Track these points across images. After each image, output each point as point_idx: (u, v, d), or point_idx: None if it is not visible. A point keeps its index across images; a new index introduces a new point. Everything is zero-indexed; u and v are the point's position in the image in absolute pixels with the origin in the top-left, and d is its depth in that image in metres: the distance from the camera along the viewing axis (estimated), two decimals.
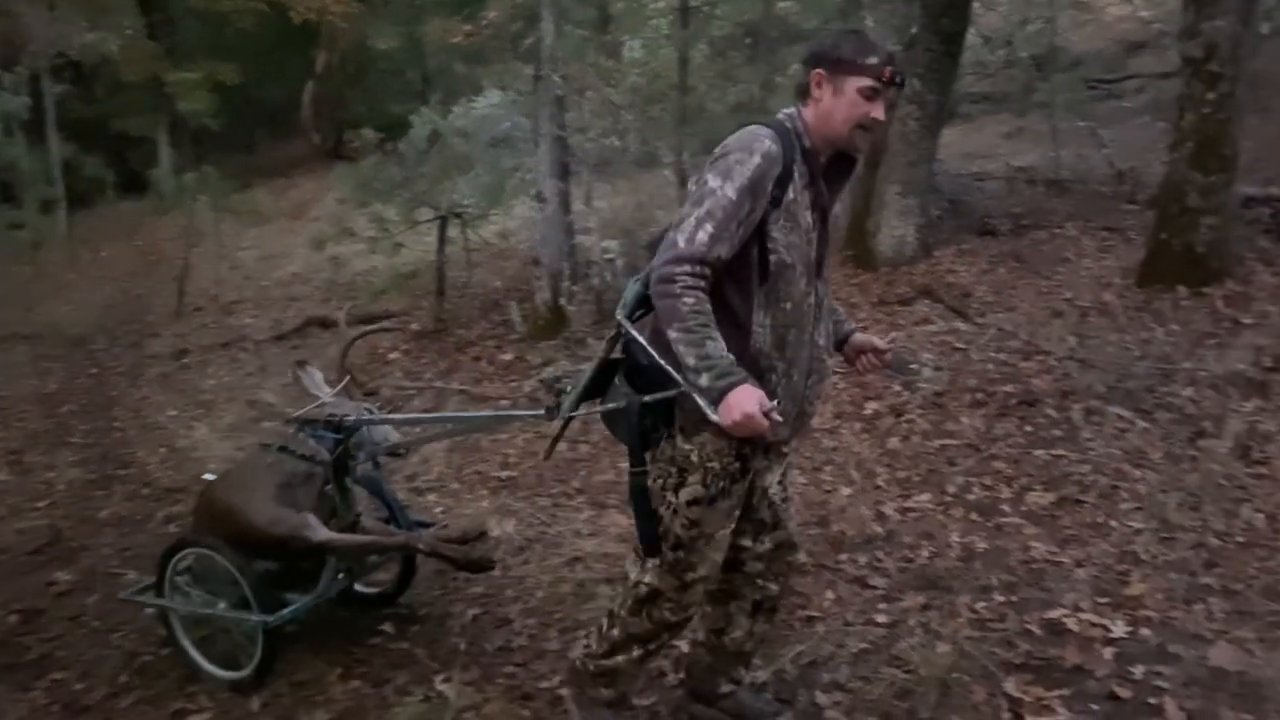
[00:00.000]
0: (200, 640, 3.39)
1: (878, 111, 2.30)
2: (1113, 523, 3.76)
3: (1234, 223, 6.55)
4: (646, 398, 2.32)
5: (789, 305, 2.33)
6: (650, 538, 2.39)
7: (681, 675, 2.92)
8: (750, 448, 2.37)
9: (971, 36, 9.41)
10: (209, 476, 3.70)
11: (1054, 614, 3.18)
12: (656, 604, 2.48)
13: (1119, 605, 3.22)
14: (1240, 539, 3.57)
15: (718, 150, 2.30)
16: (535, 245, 7.81)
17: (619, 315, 2.34)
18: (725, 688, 2.78)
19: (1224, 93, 6.06)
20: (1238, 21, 6.01)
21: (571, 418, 2.58)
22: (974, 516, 3.94)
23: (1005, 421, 4.74)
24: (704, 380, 2.16)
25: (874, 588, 3.50)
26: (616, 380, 2.42)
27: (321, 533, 3.14)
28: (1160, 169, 6.76)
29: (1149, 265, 6.44)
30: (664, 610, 2.48)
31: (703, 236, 2.20)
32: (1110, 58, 12.92)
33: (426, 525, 3.60)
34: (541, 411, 2.71)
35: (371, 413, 3.44)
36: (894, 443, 4.77)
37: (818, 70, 2.32)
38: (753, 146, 2.25)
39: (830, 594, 3.48)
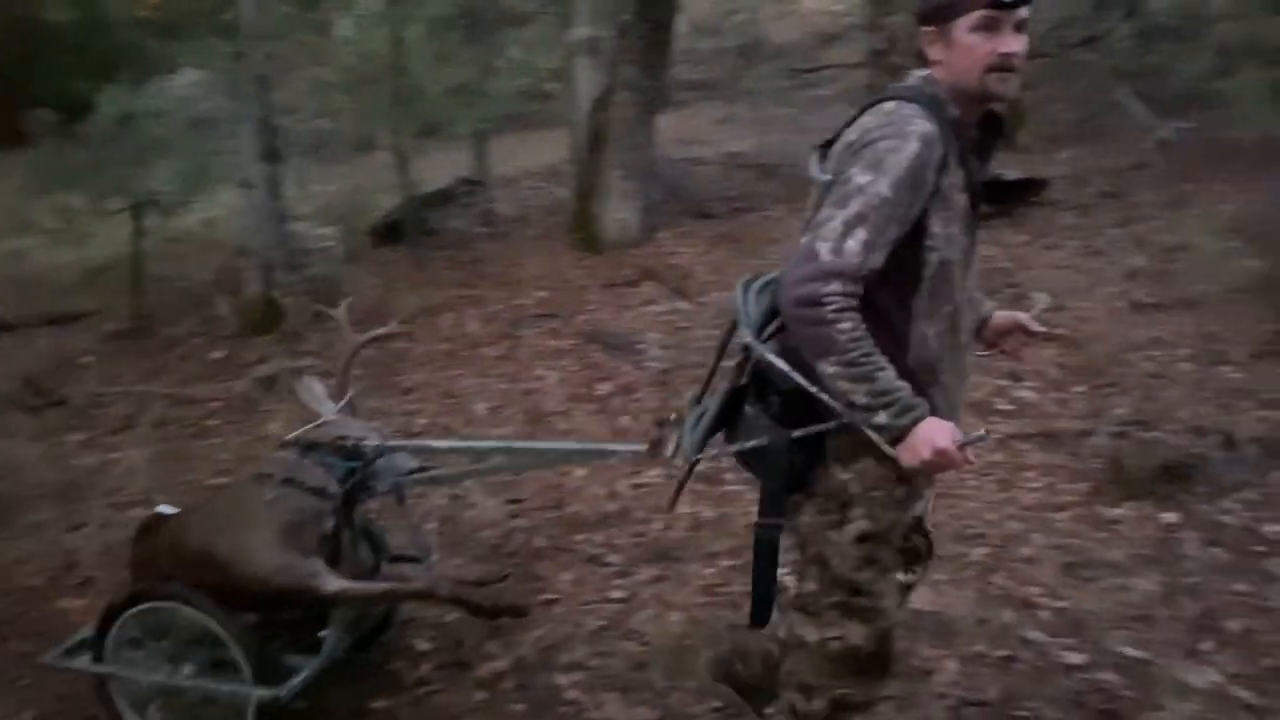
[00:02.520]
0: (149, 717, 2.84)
1: (1006, 44, 1.87)
2: None
3: None
4: (797, 432, 1.96)
5: (950, 309, 1.98)
6: (765, 603, 2.08)
7: None
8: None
9: (683, 25, 9.75)
10: (165, 510, 3.01)
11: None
12: (855, 659, 2.12)
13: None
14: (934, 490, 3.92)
15: (857, 135, 1.91)
16: (243, 234, 7.33)
17: (745, 335, 1.98)
18: None
19: None
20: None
21: (698, 460, 2.22)
22: (701, 487, 4.09)
23: None
24: (881, 419, 1.83)
25: (609, 565, 3.57)
26: (748, 411, 2.06)
27: (334, 582, 2.63)
28: None
29: None
30: (866, 664, 2.13)
31: (853, 245, 1.81)
32: (808, 48, 13.83)
33: (412, 560, 3.07)
34: (641, 447, 2.42)
35: (385, 437, 2.93)
36: (625, 421, 4.88)
37: (925, 29, 1.95)
38: (905, 130, 1.85)
39: (567, 575, 3.52)
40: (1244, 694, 2.70)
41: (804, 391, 1.90)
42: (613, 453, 3.03)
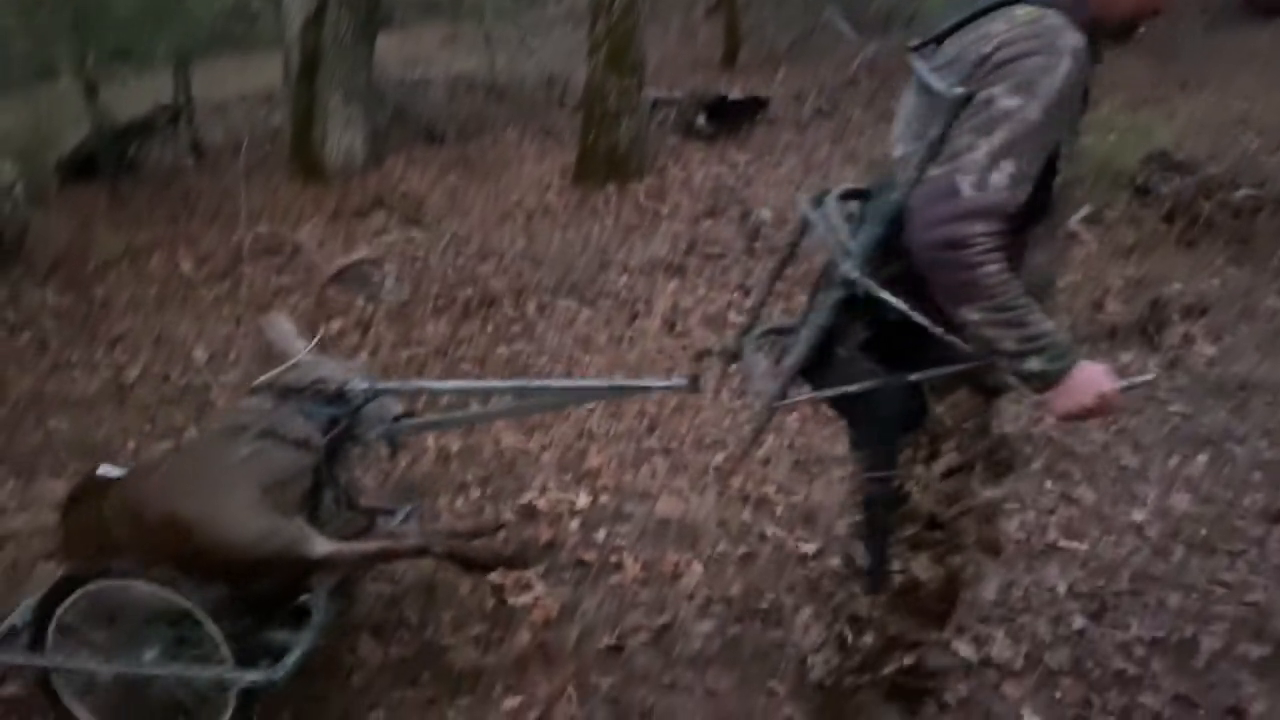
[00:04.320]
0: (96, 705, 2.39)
1: None
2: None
3: (647, 123, 7.30)
4: (915, 376, 1.77)
5: (1058, 231, 1.83)
6: (879, 564, 1.94)
7: None
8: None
9: None
10: (110, 471, 2.51)
11: (526, 498, 3.36)
12: (916, 597, 2.01)
13: (581, 479, 3.49)
14: (674, 402, 4.04)
15: (993, 47, 1.65)
16: None
17: (849, 270, 1.73)
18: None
19: (627, 3, 6.64)
20: None
21: (780, 407, 1.96)
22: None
23: (469, 324, 4.87)
24: (1034, 365, 1.66)
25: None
26: (841, 352, 1.83)
27: (324, 545, 2.27)
28: (584, 74, 7.26)
29: (581, 165, 6.96)
30: (929, 602, 2.03)
31: (1000, 179, 1.60)
32: None
33: (386, 513, 2.73)
34: (682, 381, 2.21)
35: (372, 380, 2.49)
36: (363, 357, 4.68)
37: None
38: (1056, 45, 1.62)
39: None
40: None
41: (915, 330, 1.72)
42: (646, 389, 2.71)
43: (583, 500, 3.35)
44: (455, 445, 3.79)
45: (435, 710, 2.43)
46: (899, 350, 1.79)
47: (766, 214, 6.13)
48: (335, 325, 5.03)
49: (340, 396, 2.41)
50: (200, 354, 4.59)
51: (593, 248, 5.73)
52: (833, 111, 8.41)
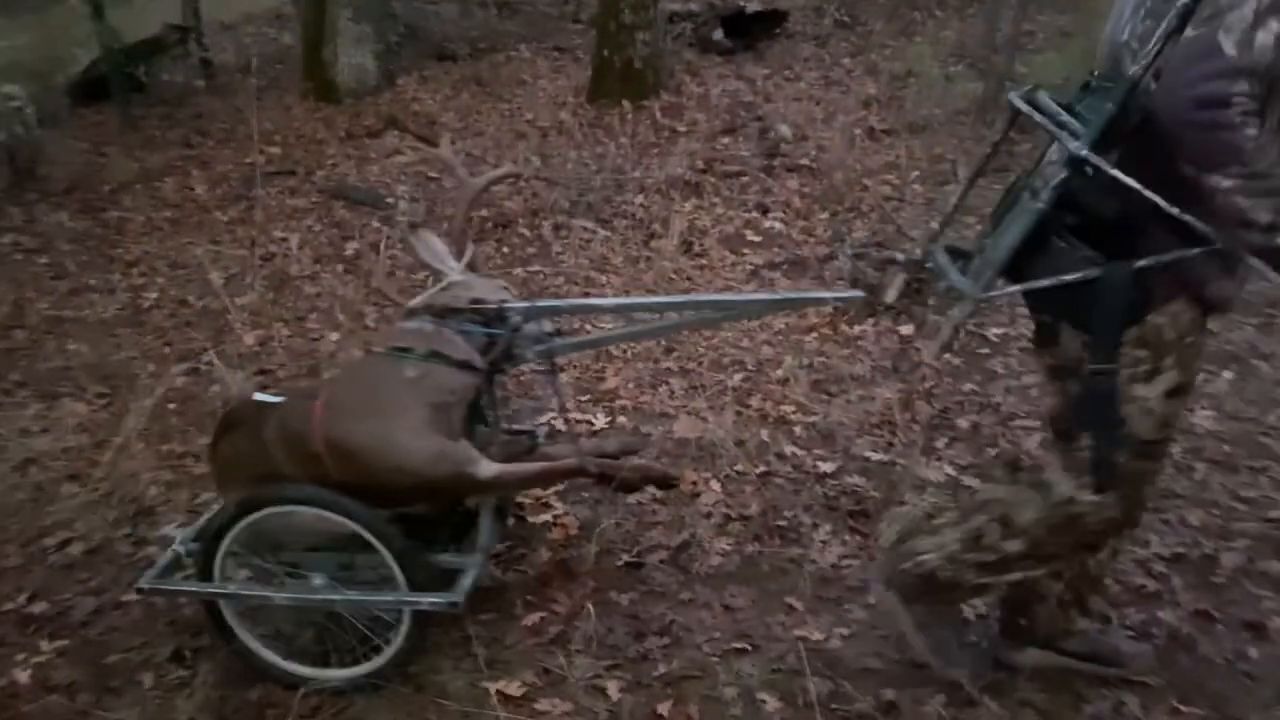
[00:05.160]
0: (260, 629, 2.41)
1: None
2: (588, 327, 4.03)
3: (663, 38, 7.13)
4: (1142, 261, 1.68)
5: None
6: (1110, 462, 1.81)
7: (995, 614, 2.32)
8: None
9: None
10: (267, 397, 2.50)
11: (544, 419, 3.36)
12: (1085, 523, 1.91)
13: (599, 400, 3.49)
14: None
15: None
16: None
17: (1077, 148, 1.64)
18: (1080, 624, 2.19)
19: None
20: None
21: (987, 300, 1.83)
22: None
23: (484, 244, 4.83)
24: None
25: None
26: (1058, 241, 1.74)
27: (489, 467, 2.24)
28: None
29: (596, 83, 6.83)
30: (1093, 532, 1.93)
31: (1265, 39, 1.51)
32: None
33: (525, 434, 2.66)
34: (858, 293, 2.12)
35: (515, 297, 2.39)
36: (378, 281, 4.66)
37: None
38: None
39: None
40: (973, 482, 2.97)
41: (1134, 216, 1.64)
42: (819, 300, 2.59)
43: (601, 421, 3.34)
44: None
45: (458, 624, 2.45)
46: (1117, 238, 1.71)
47: (786, 130, 6.01)
48: (350, 247, 5.01)
49: (499, 316, 2.33)
50: (217, 277, 4.57)
51: (608, 167, 5.64)
52: (853, 24, 8.20)
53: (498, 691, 2.28)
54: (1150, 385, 1.78)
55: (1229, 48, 1.52)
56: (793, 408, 3.41)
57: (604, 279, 4.42)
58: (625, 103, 6.57)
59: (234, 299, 4.38)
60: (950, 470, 3.04)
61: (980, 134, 5.74)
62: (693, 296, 2.64)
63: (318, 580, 2.29)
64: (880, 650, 2.38)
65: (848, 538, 2.79)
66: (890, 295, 2.09)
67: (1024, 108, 1.84)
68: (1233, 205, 1.58)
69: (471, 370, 2.26)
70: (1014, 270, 1.78)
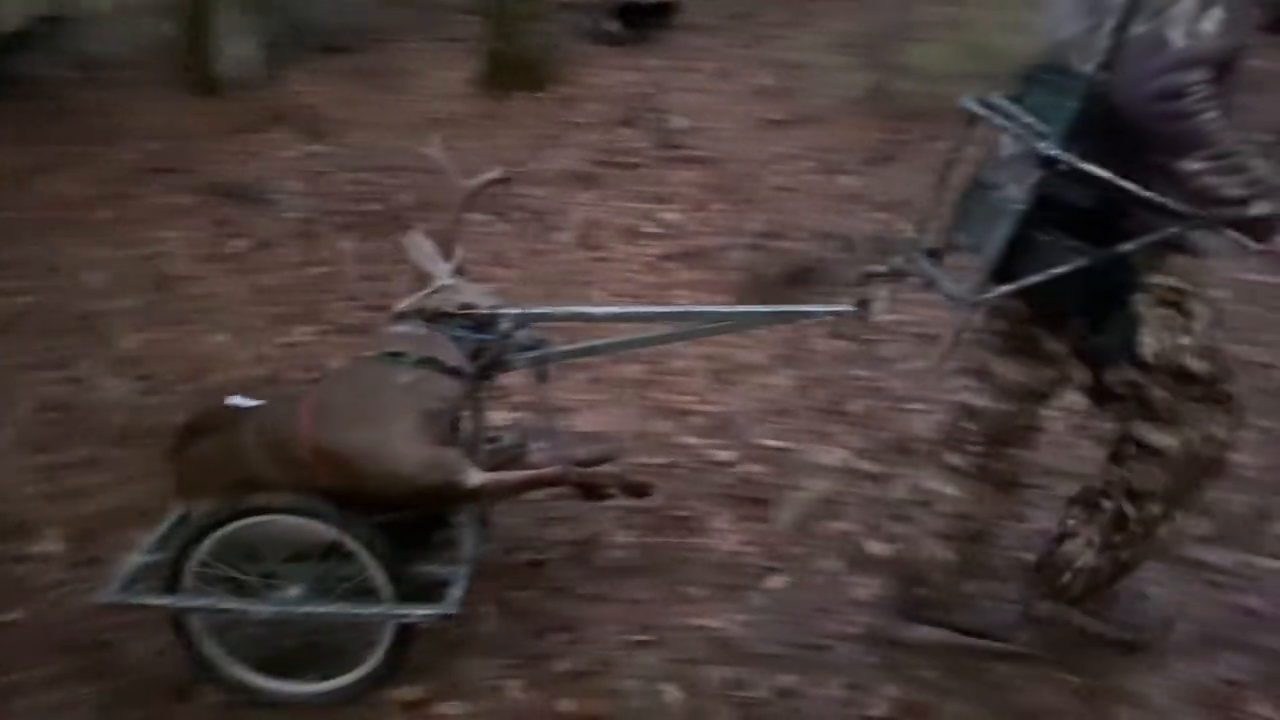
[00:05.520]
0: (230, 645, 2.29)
1: None
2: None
3: (557, 28, 7.08)
4: (1128, 246, 1.80)
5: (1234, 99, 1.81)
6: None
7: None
8: None
9: None
10: (242, 401, 2.41)
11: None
12: (1202, 459, 2.05)
13: (497, 396, 3.44)
14: None
15: None
16: None
17: (1047, 148, 1.74)
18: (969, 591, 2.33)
19: None
20: None
21: (983, 303, 1.93)
22: (352, 340, 3.91)
23: (375, 240, 4.72)
24: (1262, 208, 1.72)
25: None
26: (1042, 237, 1.82)
27: (477, 475, 2.19)
28: None
29: (489, 73, 6.74)
30: (1212, 460, 2.06)
31: (1209, 27, 1.64)
32: None
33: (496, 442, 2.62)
34: (849, 307, 2.17)
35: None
36: (267, 279, 4.52)
37: None
38: None
39: None
40: (866, 465, 3.04)
41: (1111, 203, 1.75)
42: (811, 315, 2.59)
43: (500, 418, 3.30)
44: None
45: None
46: (1098, 223, 1.80)
47: (682, 121, 6.04)
48: (236, 245, 4.85)
49: (491, 322, 2.32)
50: (95, 278, 4.38)
51: (503, 160, 5.53)
52: (748, 15, 8.26)
53: (396, 698, 2.24)
54: (1190, 332, 1.92)
55: (1177, 40, 1.64)
56: (693, 398, 3.43)
57: (501, 273, 4.37)
58: (519, 94, 6.51)
59: (112, 302, 4.20)
60: (844, 454, 3.09)
61: (872, 123, 5.85)
62: (689, 308, 2.76)
63: (294, 591, 2.23)
64: (779, 636, 2.42)
65: (746, 525, 2.82)
66: (880, 309, 2.18)
67: (982, 113, 1.93)
68: (1205, 185, 1.70)
69: (462, 377, 2.24)
70: (1003, 270, 1.86)
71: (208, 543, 2.19)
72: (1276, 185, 1.72)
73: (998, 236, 1.83)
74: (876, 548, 2.67)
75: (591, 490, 2.43)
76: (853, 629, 2.42)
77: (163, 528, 2.38)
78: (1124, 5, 1.67)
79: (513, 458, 2.52)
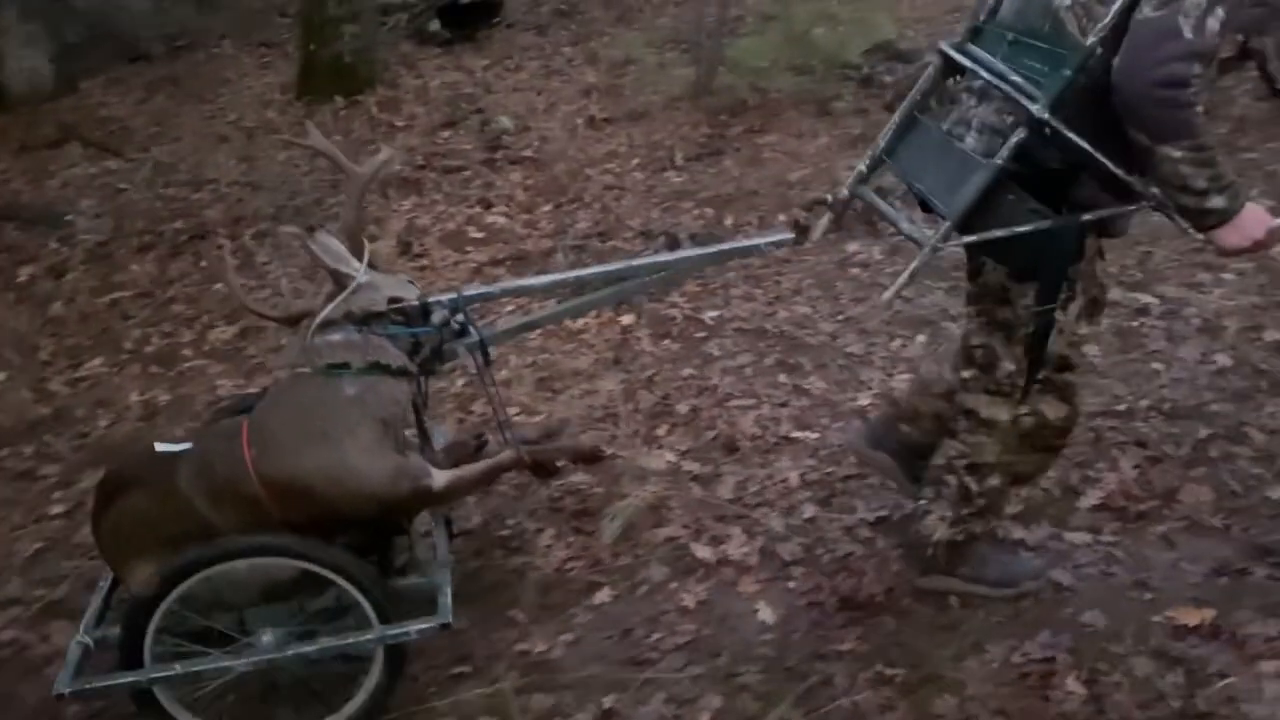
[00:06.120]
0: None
1: None
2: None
3: (377, 29, 6.85)
4: (1089, 215, 1.88)
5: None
6: (1029, 385, 2.07)
7: None
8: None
9: None
10: (169, 447, 2.17)
11: None
12: (1043, 435, 2.15)
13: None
14: None
15: None
16: None
17: (1039, 110, 1.77)
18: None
19: None
20: None
21: (943, 249, 1.92)
22: (154, 369, 3.66)
23: (179, 261, 4.45)
24: (1217, 202, 1.79)
25: (45, 478, 3.07)
26: (1010, 196, 1.87)
27: (440, 475, 2.13)
28: None
29: (304, 78, 6.47)
30: (1052, 438, 2.17)
31: (1213, 25, 1.69)
32: None
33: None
34: (787, 235, 2.19)
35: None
36: (57, 308, 4.19)
37: None
38: None
39: None
40: (692, 466, 2.98)
41: (1103, 172, 1.82)
42: (752, 248, 2.48)
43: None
44: (165, 397, 3.46)
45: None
46: (1052, 185, 1.89)
47: (507, 122, 5.91)
48: (24, 272, 4.49)
49: (424, 312, 2.19)
50: None
51: (320, 168, 5.34)
52: (572, 12, 8.18)
53: None
54: (1066, 311, 2.00)
55: (1188, 31, 1.69)
56: (517, 409, 3.31)
57: (313, 289, 4.14)
58: (338, 98, 6.26)
59: None
60: (671, 457, 3.04)
61: (696, 118, 5.85)
62: (629, 263, 2.62)
63: (267, 637, 2.08)
64: (604, 654, 2.34)
65: (572, 539, 2.73)
66: (816, 234, 2.21)
67: (966, 63, 1.97)
68: (1177, 172, 1.78)
69: (408, 376, 2.16)
70: (974, 218, 1.91)
71: (164, 606, 2.00)
72: (1234, 182, 1.83)
73: (970, 188, 1.88)
74: (703, 551, 2.63)
75: (545, 468, 2.42)
76: (678, 638, 2.36)
77: (96, 601, 2.18)
78: None
79: (475, 450, 2.45)
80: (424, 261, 4.40)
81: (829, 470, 2.89)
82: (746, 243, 2.53)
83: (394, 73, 6.72)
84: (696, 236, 4.33)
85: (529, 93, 6.54)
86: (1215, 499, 2.67)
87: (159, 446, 2.22)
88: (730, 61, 5.93)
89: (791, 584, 2.50)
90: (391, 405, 2.11)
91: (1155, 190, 1.86)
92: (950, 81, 2.10)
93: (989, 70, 1.91)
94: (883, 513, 2.71)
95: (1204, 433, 2.90)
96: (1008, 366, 2.08)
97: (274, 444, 2.04)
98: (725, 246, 2.57)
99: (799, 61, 5.90)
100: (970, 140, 1.97)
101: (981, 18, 2.03)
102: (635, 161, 5.39)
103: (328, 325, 2.14)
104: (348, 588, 2.05)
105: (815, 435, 3.05)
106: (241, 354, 3.74)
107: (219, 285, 4.22)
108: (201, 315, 4.02)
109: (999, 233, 1.88)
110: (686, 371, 3.48)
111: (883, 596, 2.42)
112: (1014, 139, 1.83)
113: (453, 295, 2.25)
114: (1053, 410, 2.13)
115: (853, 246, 4.23)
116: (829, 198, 2.20)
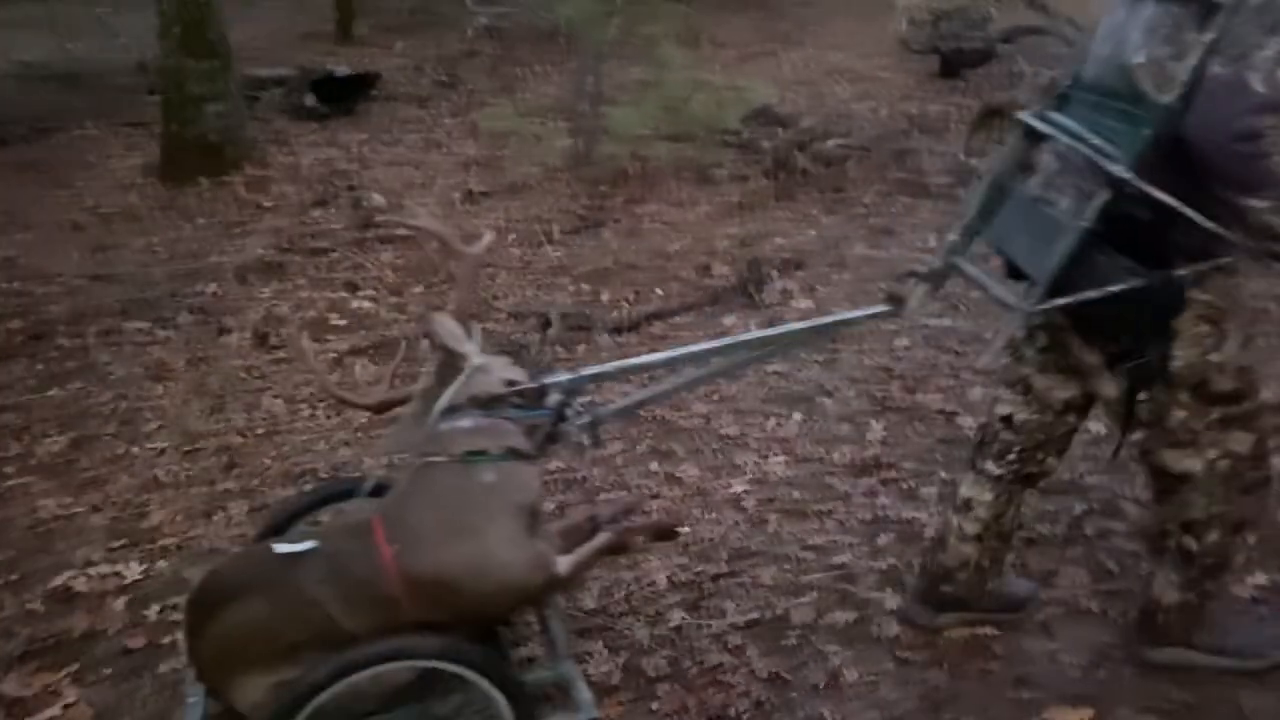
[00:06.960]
0: None
1: None
2: (135, 450, 3.47)
3: (244, 107, 6.62)
4: (1185, 270, 1.87)
5: None
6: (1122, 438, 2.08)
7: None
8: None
9: None
10: (291, 547, 1.96)
11: (61, 579, 2.80)
12: (1241, 473, 2.06)
13: (136, 543, 2.97)
14: (261, 430, 3.58)
15: None
16: None
17: (1119, 171, 1.78)
18: (992, 583, 2.42)
19: None
20: None
21: (1039, 312, 1.95)
22: None
23: (13, 364, 4.11)
24: None
25: None
26: (1101, 256, 1.87)
27: (563, 560, 2.05)
28: None
29: (167, 160, 6.21)
30: (1249, 472, 2.08)
31: None
32: None
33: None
34: (886, 308, 2.16)
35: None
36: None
37: None
38: None
39: None
40: None
41: (1162, 227, 1.83)
42: (849, 322, 2.42)
43: (134, 571, 2.83)
44: None
45: None
46: (1143, 242, 1.88)
47: (379, 198, 5.72)
48: None
49: (541, 394, 2.14)
50: None
51: (179, 254, 5.08)
52: (453, 83, 8.07)
53: None
54: (1222, 349, 1.98)
55: (1258, 85, 1.73)
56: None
57: (161, 388, 3.87)
58: (202, 180, 6.00)
59: None
60: None
61: (575, 190, 5.74)
62: (738, 338, 2.56)
63: None
64: None
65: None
66: (913, 304, 2.17)
67: (1046, 129, 1.99)
68: (1264, 223, 1.81)
69: (531, 459, 2.08)
70: (1057, 283, 1.92)
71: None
72: None
73: (1058, 251, 1.89)
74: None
75: (628, 547, 2.36)
76: None
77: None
78: (1206, 44, 1.74)
79: (590, 532, 2.29)
80: (280, 353, 4.14)
81: (699, 569, 2.73)
82: (847, 315, 2.47)
83: (264, 151, 6.48)
84: (567, 316, 4.18)
85: (406, 166, 6.37)
86: (1092, 581, 2.58)
87: (279, 548, 2.02)
88: (610, 131, 5.85)
89: (655, 704, 2.31)
90: (528, 491, 2.05)
91: (1249, 241, 1.89)
92: (1034, 149, 2.12)
93: (1069, 134, 1.95)
94: (753, 615, 2.55)
95: (1079, 509, 2.82)
96: (1178, 415, 2.04)
97: (416, 538, 1.93)
98: (827, 320, 2.51)
99: (679, 129, 5.85)
100: (1061, 204, 2.00)
101: (1068, 83, 2.07)
102: (512, 237, 5.23)
103: (454, 409, 2.06)
104: (487, 688, 1.93)
105: (686, 529, 2.89)
106: (73, 467, 3.43)
107: (54, 390, 3.90)
108: (33, 425, 3.69)
109: (1093, 294, 1.89)
110: (553, 465, 3.30)
111: (751, 713, 2.26)
112: (1097, 201, 1.85)
113: (570, 375, 2.18)
114: (1240, 444, 2.07)
115: (730, 320, 4.13)
116: (920, 269, 2.19)
